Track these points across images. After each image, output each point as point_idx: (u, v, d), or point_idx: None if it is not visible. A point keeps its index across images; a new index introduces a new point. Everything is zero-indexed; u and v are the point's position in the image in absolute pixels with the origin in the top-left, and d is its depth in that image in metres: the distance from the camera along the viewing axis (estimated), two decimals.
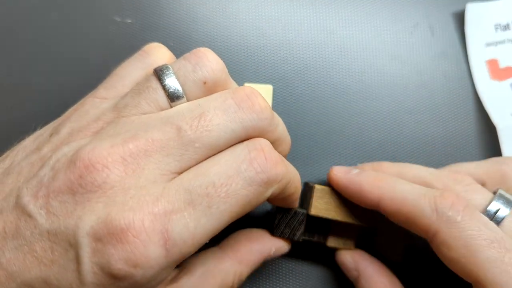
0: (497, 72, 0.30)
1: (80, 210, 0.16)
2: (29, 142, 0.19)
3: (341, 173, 0.23)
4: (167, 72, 0.19)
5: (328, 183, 0.24)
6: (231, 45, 0.29)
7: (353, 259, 0.24)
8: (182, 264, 0.21)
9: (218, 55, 0.20)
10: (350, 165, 0.28)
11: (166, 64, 0.19)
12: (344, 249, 0.25)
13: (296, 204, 0.23)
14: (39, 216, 0.16)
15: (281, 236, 0.24)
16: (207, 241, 0.17)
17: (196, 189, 0.17)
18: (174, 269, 0.20)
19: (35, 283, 0.16)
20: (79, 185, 0.16)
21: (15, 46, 0.27)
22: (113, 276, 0.16)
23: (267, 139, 0.19)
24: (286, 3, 0.29)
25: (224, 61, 0.21)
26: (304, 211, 0.24)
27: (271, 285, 0.26)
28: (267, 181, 0.18)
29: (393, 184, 0.21)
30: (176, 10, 0.29)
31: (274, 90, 0.28)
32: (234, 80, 0.21)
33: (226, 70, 0.20)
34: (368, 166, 0.25)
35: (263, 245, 0.23)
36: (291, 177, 0.20)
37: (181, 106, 0.18)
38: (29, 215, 0.16)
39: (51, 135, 0.19)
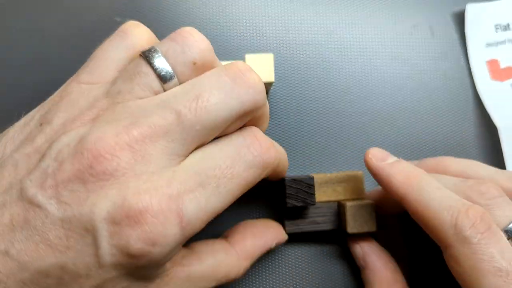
0: (498, 72, 0.29)
1: (94, 198, 0.17)
2: (15, 133, 0.19)
3: (375, 159, 0.23)
4: (156, 55, 0.19)
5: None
6: (231, 45, 0.29)
7: (362, 250, 0.25)
8: (191, 247, 0.22)
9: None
10: (349, 165, 0.28)
11: (153, 46, 0.19)
12: (365, 231, 0.25)
13: (283, 175, 0.24)
14: (50, 206, 0.16)
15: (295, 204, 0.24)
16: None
17: (205, 171, 0.18)
18: (182, 250, 0.22)
19: (50, 270, 0.16)
20: (90, 175, 0.17)
21: (14, 46, 0.27)
22: (132, 256, 0.17)
23: (261, 114, 0.20)
24: (286, 3, 0.29)
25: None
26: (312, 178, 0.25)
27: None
28: (263, 163, 0.19)
29: (422, 186, 0.21)
30: (176, 11, 0.29)
31: (273, 90, 0.28)
32: None
33: (213, 49, 0.20)
34: (429, 162, 0.25)
35: (267, 240, 0.24)
36: (281, 157, 0.21)
37: (176, 89, 0.18)
38: (38, 206, 0.17)
39: (41, 124, 0.19)
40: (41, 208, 0.17)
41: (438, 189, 0.21)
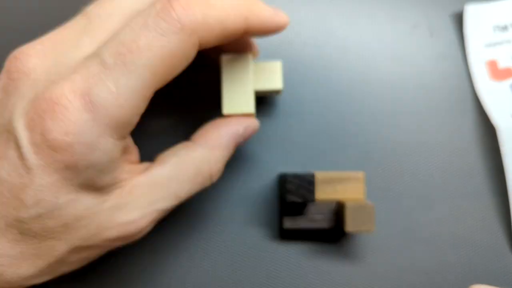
0: (497, 73, 0.30)
1: (13, 99, 0.17)
2: None
3: None
4: None
5: None
6: None
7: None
8: (155, 159, 0.21)
9: None
10: (348, 164, 0.28)
11: None
12: (363, 231, 0.25)
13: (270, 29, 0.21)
14: None
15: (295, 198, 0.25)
16: (145, 104, 0.18)
17: (106, 51, 0.17)
18: (146, 163, 0.21)
19: None
20: (8, 79, 0.18)
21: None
22: (51, 149, 0.16)
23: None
24: (286, 3, 0.29)
25: None
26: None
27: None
28: (182, 27, 0.17)
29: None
30: None
31: None
32: None
33: None
34: None
35: (230, 127, 0.22)
36: (222, 14, 0.18)
37: None
38: None
39: None
40: None
41: None
